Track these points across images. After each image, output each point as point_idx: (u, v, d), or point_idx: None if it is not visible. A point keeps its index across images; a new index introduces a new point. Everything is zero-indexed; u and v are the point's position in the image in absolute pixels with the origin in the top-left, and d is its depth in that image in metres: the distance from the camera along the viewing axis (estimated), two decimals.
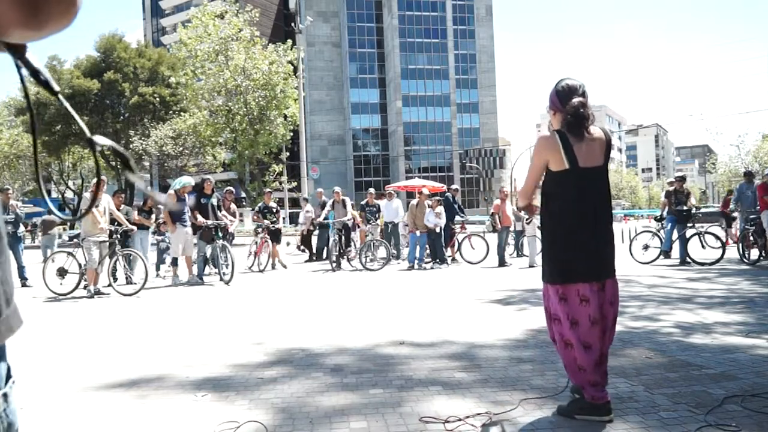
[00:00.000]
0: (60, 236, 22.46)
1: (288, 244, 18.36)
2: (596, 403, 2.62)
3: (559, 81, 2.77)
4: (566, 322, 2.68)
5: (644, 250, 10.47)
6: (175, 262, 9.29)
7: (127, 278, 8.82)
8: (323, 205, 12.82)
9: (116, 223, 8.41)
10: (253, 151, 30.60)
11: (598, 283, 2.67)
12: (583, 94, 2.68)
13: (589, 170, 2.66)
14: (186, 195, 9.31)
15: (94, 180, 8.22)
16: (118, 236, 8.26)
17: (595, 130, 2.70)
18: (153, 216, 10.32)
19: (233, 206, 11.27)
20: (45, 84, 0.68)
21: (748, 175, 11.47)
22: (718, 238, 9.84)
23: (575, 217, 2.67)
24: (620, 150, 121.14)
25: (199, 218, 9.21)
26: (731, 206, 12.51)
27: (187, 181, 9.48)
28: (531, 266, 10.40)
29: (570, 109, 2.63)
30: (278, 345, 4.42)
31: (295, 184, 32.80)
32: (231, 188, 11.30)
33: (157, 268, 10.43)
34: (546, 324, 2.90)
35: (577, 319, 2.66)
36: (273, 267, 11.44)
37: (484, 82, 73.99)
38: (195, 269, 9.31)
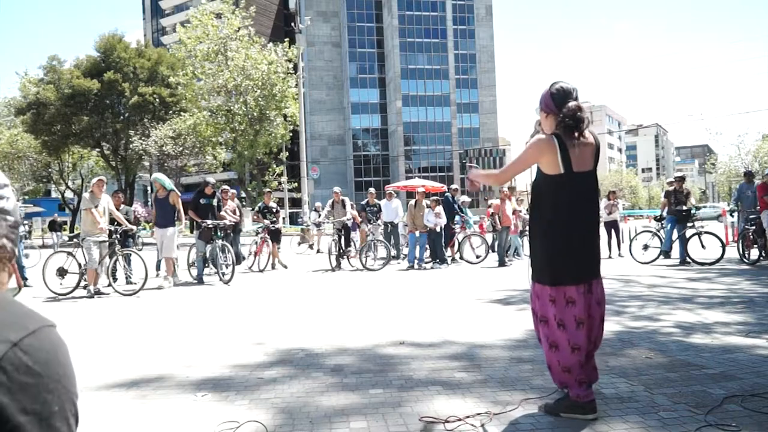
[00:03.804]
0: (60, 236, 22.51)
1: (299, 243, 18.44)
2: (581, 401, 2.64)
3: (552, 84, 2.77)
4: (554, 323, 2.71)
5: (644, 250, 10.48)
6: (157, 266, 9.24)
7: (126, 278, 8.84)
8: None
9: (116, 223, 8.41)
10: (253, 152, 30.59)
11: (585, 285, 2.69)
12: (576, 99, 2.71)
13: (581, 174, 2.69)
14: (163, 194, 9.07)
15: (94, 179, 8.25)
16: (118, 236, 8.27)
17: (588, 135, 2.74)
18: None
19: (231, 203, 11.20)
20: None
21: (748, 175, 11.46)
22: (717, 237, 9.84)
23: (567, 220, 2.69)
24: (620, 150, 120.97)
25: (198, 217, 9.21)
26: (731, 206, 12.47)
27: (156, 176, 9.22)
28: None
29: (568, 112, 2.63)
30: (278, 345, 4.42)
31: (295, 184, 32.80)
32: (226, 186, 11.26)
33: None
34: (533, 325, 2.91)
35: (564, 320, 2.68)
36: (273, 267, 11.45)
37: (484, 82, 74.04)
38: (178, 272, 9.30)
